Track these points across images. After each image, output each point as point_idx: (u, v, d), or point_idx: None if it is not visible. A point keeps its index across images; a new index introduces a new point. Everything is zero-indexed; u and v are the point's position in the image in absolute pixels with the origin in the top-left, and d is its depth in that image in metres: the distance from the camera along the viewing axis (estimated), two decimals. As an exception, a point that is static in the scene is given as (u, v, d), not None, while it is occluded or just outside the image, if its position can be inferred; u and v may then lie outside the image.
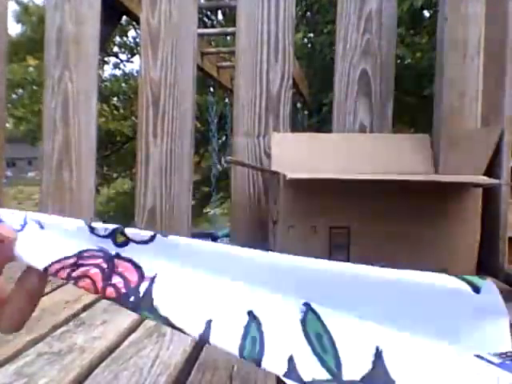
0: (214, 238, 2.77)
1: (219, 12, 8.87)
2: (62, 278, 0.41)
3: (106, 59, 9.55)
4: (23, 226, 0.42)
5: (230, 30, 5.05)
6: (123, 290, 0.39)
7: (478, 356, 0.34)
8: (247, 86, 1.67)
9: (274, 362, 0.35)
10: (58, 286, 1.12)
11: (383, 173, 1.29)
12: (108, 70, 10.71)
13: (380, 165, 1.35)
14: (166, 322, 0.37)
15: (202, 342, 0.38)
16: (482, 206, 1.23)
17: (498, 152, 1.31)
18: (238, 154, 1.67)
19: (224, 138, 7.79)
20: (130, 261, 0.40)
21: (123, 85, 10.48)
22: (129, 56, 10.68)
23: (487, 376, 0.33)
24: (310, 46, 7.79)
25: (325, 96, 6.18)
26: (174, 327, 0.36)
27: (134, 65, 10.58)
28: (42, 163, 1.75)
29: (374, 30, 1.62)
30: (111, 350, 0.75)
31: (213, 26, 8.48)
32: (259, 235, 1.59)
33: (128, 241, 0.41)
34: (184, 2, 1.69)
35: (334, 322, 0.36)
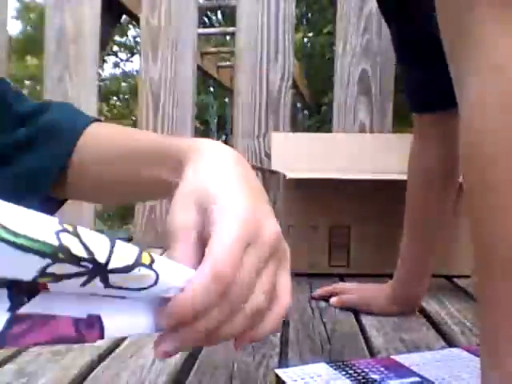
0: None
1: (219, 12, 8.86)
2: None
3: (105, 58, 9.55)
4: None
5: (229, 29, 5.05)
6: None
7: None
8: (247, 86, 1.67)
9: None
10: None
11: (383, 173, 1.29)
12: (108, 70, 10.71)
13: (380, 165, 1.35)
14: None
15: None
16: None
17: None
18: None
19: (224, 138, 7.79)
20: None
21: (123, 84, 10.48)
22: (128, 55, 10.69)
23: None
24: (309, 45, 7.79)
25: (325, 96, 6.18)
26: None
27: (134, 64, 10.58)
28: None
29: (374, 30, 1.62)
30: (111, 349, 0.75)
31: (213, 26, 8.48)
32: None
33: None
34: (184, 2, 1.69)
35: None
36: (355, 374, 0.66)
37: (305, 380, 0.65)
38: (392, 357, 0.73)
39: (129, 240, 1.72)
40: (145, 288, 0.34)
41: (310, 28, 7.90)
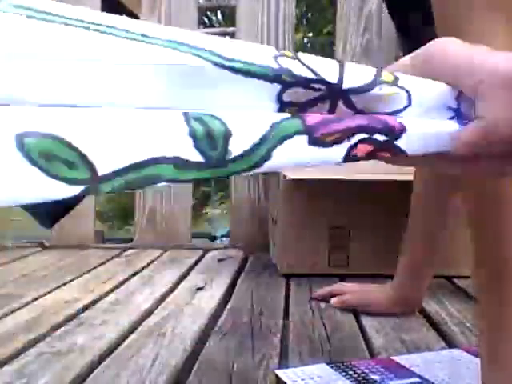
0: (213, 238, 2.76)
1: (219, 12, 8.86)
2: None
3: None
4: None
5: (229, 30, 5.04)
6: None
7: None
8: (247, 85, 1.67)
9: None
10: (58, 286, 1.12)
11: (383, 173, 1.29)
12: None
13: (380, 165, 1.34)
14: None
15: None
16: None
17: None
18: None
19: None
20: None
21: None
22: (129, 56, 10.67)
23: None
24: (309, 46, 7.79)
25: (325, 96, 6.17)
26: None
27: (134, 65, 10.55)
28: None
29: (374, 30, 1.62)
30: (111, 349, 0.75)
31: (213, 26, 8.48)
32: (259, 235, 1.59)
33: None
34: (184, 2, 1.69)
35: None
36: (355, 375, 0.66)
37: (305, 381, 0.65)
38: (392, 357, 0.73)
39: (129, 240, 1.72)
40: (401, 110, 0.32)
41: (310, 28, 7.90)
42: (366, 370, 0.68)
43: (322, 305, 1.01)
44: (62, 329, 0.84)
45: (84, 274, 1.26)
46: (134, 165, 0.27)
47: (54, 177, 0.26)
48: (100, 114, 0.27)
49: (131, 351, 0.74)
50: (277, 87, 0.30)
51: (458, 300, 1.06)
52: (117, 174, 0.27)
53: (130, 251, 1.58)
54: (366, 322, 0.91)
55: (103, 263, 1.40)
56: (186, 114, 0.28)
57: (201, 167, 0.28)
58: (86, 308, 0.96)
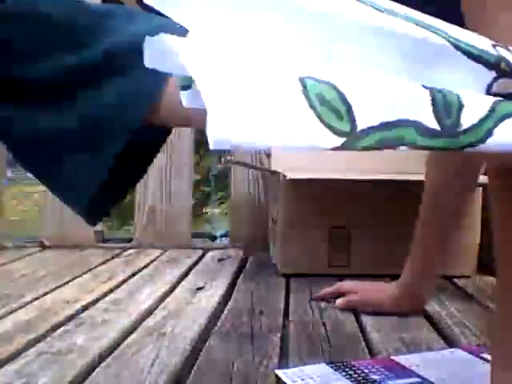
0: (213, 238, 2.75)
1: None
2: None
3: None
4: None
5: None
6: None
7: None
8: (247, 85, 1.66)
9: None
10: (58, 286, 1.12)
11: (383, 173, 1.29)
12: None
13: (380, 165, 1.35)
14: None
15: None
16: (482, 205, 1.23)
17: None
18: (237, 154, 1.66)
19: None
20: None
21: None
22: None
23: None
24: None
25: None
26: None
27: (134, 65, 10.56)
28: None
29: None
30: (111, 349, 0.75)
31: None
32: (259, 235, 1.59)
33: None
34: (184, 2, 1.69)
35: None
36: (355, 375, 0.66)
37: (305, 381, 0.65)
38: (392, 357, 0.73)
39: (129, 240, 1.72)
40: None
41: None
42: (366, 370, 0.68)
43: (322, 305, 1.01)
44: (62, 329, 0.84)
45: (84, 273, 1.26)
46: (386, 123, 0.29)
47: (323, 123, 0.28)
48: (355, 73, 0.30)
49: (131, 351, 0.74)
50: (491, 75, 0.32)
51: (458, 300, 1.06)
52: (371, 130, 0.29)
53: (129, 251, 1.58)
54: (366, 321, 0.91)
55: (103, 263, 1.40)
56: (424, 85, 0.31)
57: (436, 135, 0.30)
58: (85, 308, 0.96)
